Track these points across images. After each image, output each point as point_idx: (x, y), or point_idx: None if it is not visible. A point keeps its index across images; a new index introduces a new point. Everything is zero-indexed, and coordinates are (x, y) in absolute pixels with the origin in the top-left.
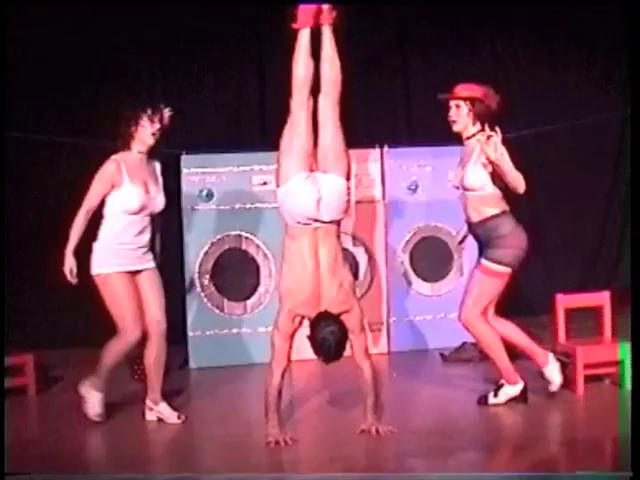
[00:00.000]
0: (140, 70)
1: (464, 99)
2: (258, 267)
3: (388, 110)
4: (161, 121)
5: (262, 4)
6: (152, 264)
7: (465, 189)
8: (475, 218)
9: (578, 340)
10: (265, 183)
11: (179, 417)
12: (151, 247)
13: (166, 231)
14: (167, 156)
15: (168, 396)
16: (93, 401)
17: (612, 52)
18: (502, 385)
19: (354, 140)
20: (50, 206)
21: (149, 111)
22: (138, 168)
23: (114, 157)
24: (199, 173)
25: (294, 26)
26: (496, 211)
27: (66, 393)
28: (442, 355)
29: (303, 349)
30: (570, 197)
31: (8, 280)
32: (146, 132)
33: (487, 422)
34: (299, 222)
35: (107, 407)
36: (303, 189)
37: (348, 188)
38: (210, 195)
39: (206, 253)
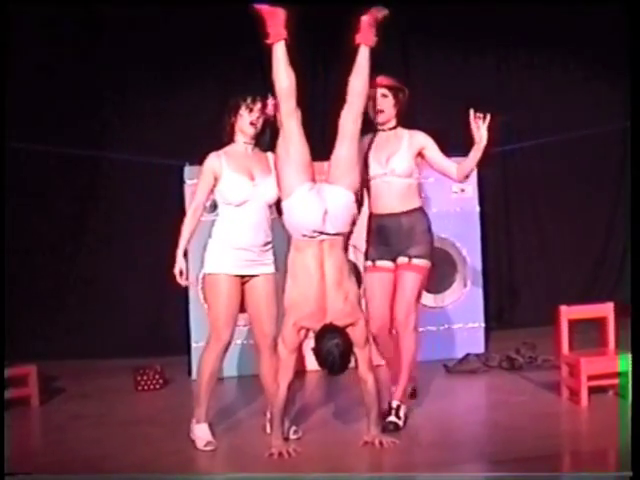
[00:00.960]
0: (145, 80)
1: (391, 88)
2: None
3: None
4: (262, 110)
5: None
6: (270, 269)
7: (396, 176)
8: (401, 208)
9: (581, 351)
10: None
11: (296, 432)
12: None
13: (170, 242)
14: (170, 167)
15: (173, 407)
16: (200, 434)
17: (616, 62)
18: (400, 406)
19: None
20: (54, 217)
21: (248, 99)
22: (242, 158)
23: (217, 152)
24: None
25: (268, 42)
26: (419, 203)
27: (69, 404)
28: (446, 366)
29: (307, 360)
30: (574, 208)
31: (11, 291)
32: (245, 121)
33: (490, 434)
34: (304, 235)
35: (107, 419)
36: (308, 202)
37: (356, 202)
38: (214, 206)
39: None
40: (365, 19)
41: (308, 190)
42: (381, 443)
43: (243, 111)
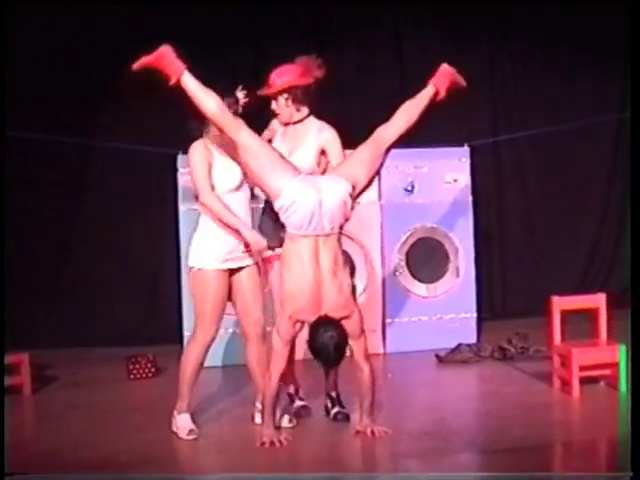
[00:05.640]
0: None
1: (276, 93)
2: None
3: (384, 111)
4: (234, 106)
5: (260, 6)
6: (251, 260)
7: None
8: None
9: (573, 342)
10: None
11: (290, 421)
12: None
13: (163, 231)
14: (163, 155)
15: (165, 396)
16: (182, 424)
17: (608, 53)
18: (339, 394)
19: (350, 141)
20: (47, 205)
21: (225, 101)
22: (222, 146)
23: (199, 141)
24: None
25: (173, 82)
26: None
27: (61, 392)
28: (437, 356)
29: (299, 349)
30: (566, 199)
31: (4, 280)
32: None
33: (482, 424)
34: (301, 231)
35: (99, 407)
36: (302, 194)
37: (352, 195)
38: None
39: None
40: (448, 70)
41: (300, 183)
42: (373, 432)
43: None
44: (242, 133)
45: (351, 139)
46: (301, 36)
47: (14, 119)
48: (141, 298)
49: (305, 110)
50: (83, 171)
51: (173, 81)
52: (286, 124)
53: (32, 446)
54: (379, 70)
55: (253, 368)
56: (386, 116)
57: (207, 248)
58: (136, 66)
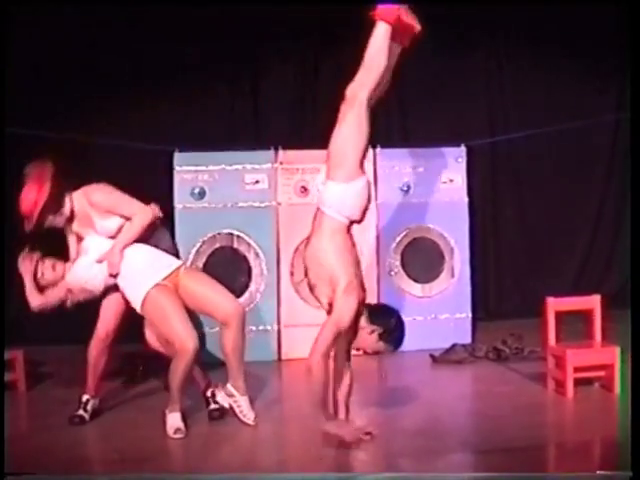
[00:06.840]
0: (135, 68)
1: (35, 226)
2: (249, 266)
3: (381, 111)
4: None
5: (257, 7)
6: (179, 261)
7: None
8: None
9: (568, 343)
10: (257, 182)
11: (254, 420)
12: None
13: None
14: (160, 153)
15: (159, 393)
16: (171, 422)
17: (606, 54)
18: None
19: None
20: None
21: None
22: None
23: None
24: (191, 171)
25: (374, 15)
26: None
27: (56, 389)
28: (432, 356)
29: (294, 348)
30: (562, 200)
31: (3, 279)
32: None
33: (476, 424)
34: (345, 219)
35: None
36: (363, 196)
37: None
38: (202, 193)
39: (197, 251)
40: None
41: (364, 184)
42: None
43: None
44: (368, 109)
45: None
46: (300, 35)
47: (11, 116)
48: None
49: (65, 209)
50: (78, 167)
51: (375, 17)
52: (64, 227)
53: (26, 442)
54: None
55: (228, 355)
56: (383, 116)
57: (135, 276)
58: None
